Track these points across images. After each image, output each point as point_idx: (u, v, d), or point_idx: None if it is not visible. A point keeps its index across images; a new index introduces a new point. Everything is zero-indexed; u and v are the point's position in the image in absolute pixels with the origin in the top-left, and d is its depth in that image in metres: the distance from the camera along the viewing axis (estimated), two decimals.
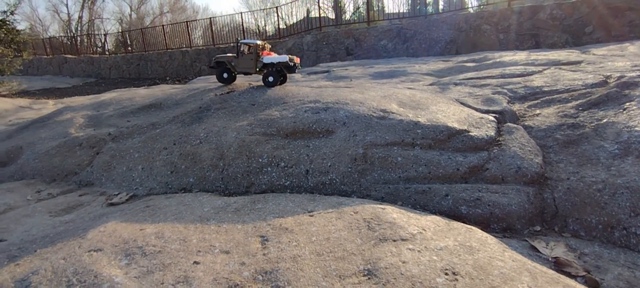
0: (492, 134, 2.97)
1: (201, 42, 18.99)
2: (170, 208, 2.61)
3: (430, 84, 4.85)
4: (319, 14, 13.26)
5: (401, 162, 2.78)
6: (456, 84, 4.53)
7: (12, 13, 14.24)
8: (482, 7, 11.23)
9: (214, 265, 1.84)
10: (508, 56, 6.07)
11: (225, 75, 4.70)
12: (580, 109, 3.20)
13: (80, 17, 28.88)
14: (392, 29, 10.93)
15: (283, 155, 3.02)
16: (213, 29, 15.99)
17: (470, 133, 2.93)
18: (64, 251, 2.17)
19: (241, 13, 15.40)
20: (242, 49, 4.58)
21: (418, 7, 14.04)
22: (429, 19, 10.52)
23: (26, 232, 2.81)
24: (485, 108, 3.47)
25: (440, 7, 14.24)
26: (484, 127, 3.03)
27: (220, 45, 15.50)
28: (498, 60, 5.83)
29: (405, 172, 2.74)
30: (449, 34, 9.94)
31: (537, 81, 4.00)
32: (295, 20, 15.94)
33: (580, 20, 8.55)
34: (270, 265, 1.78)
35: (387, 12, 15.01)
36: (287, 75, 4.81)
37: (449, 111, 3.32)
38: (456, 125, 3.01)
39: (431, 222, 2.17)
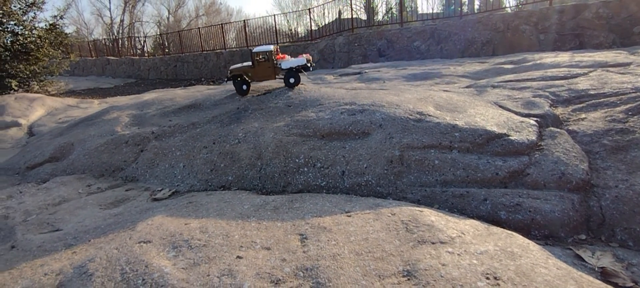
0: (534, 138, 2.89)
1: (234, 44, 19.44)
2: (212, 205, 2.72)
3: (467, 87, 4.77)
4: (351, 15, 13.26)
5: (438, 165, 2.77)
6: (494, 87, 4.42)
7: (61, 17, 15.17)
8: (520, 6, 10.87)
9: (256, 260, 1.91)
10: (549, 58, 5.85)
11: (244, 87, 4.62)
12: (629, 113, 3.06)
13: (121, 21, 30.33)
14: (425, 30, 10.77)
15: (319, 156, 3.07)
16: (246, 30, 16.34)
17: (510, 137, 2.86)
18: (116, 241, 2.32)
19: (274, 15, 15.66)
20: (259, 59, 4.52)
21: (452, 7, 13.76)
22: (464, 20, 10.29)
23: (79, 223, 3.01)
24: (526, 111, 3.38)
25: (476, 6, 13.90)
26: (524, 131, 2.96)
27: (253, 47, 15.83)
28: (538, 61, 5.63)
29: (442, 176, 2.72)
30: (485, 35, 9.68)
31: (582, 84, 3.85)
32: (327, 22, 16.04)
33: (628, 19, 8.10)
34: (311, 262, 1.84)
35: (420, 12, 14.83)
36: (308, 76, 4.88)
37: (488, 114, 3.26)
38: (495, 129, 2.95)
39: (470, 226, 2.15)
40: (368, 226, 2.14)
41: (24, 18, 13.87)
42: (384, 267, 1.75)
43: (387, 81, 6.38)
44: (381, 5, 19.52)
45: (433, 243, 1.91)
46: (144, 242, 2.20)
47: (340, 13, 16.11)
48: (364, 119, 3.25)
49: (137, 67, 20.09)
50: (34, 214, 3.23)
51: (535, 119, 3.20)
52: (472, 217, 2.45)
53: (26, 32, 13.94)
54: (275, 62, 4.56)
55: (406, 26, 11.83)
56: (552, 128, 3.10)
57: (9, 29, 13.61)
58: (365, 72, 8.19)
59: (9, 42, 13.34)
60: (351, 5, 13.03)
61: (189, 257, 2.00)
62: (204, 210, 2.63)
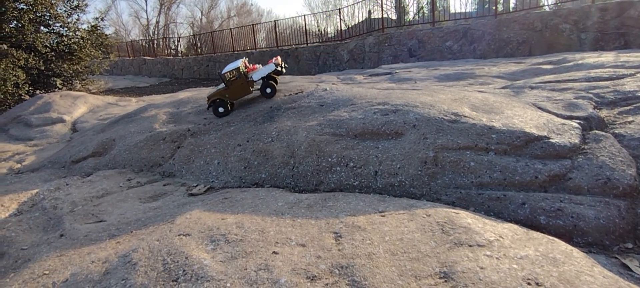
0: (576, 141, 2.78)
1: (264, 44, 19.72)
2: (247, 201, 2.78)
3: (503, 88, 4.63)
4: (381, 15, 13.15)
5: (474, 167, 2.71)
6: (532, 88, 4.28)
7: (102, 19, 15.91)
8: (559, 4, 10.43)
9: (292, 256, 1.95)
10: (592, 58, 5.59)
11: (221, 109, 4.56)
12: None
13: (157, 22, 31.42)
14: (458, 30, 10.53)
15: (352, 156, 3.08)
16: (277, 31, 16.53)
17: (550, 139, 2.77)
18: (157, 233, 2.42)
19: (304, 16, 15.77)
20: (230, 78, 4.48)
21: (486, 6, 13.38)
22: (500, 19, 9.98)
23: (121, 215, 3.16)
24: (568, 113, 3.25)
25: (511, 5, 13.45)
26: (566, 134, 2.85)
27: (283, 47, 15.98)
28: (580, 62, 5.39)
29: (478, 178, 2.66)
30: (522, 34, 9.35)
31: (629, 85, 3.66)
32: (356, 22, 15.98)
33: None
34: (346, 260, 1.85)
35: (452, 11, 14.50)
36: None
37: (526, 116, 3.16)
38: (534, 131, 2.86)
39: (508, 230, 2.10)
40: (403, 226, 2.13)
41: (69, 20, 14.63)
42: (420, 268, 1.74)
43: (418, 82, 6.30)
44: (412, 5, 19.25)
45: (470, 246, 1.88)
46: (184, 235, 2.28)
47: (369, 13, 16.02)
48: (397, 119, 3.23)
49: (172, 67, 20.76)
50: (80, 205, 3.41)
51: (578, 121, 3.08)
52: (510, 221, 2.39)
53: (70, 34, 14.70)
54: (247, 76, 4.55)
55: (438, 26, 11.62)
56: (596, 131, 2.97)
57: (55, 30, 14.40)
58: (396, 72, 8.12)
59: (54, 43, 14.12)
60: (382, 5, 12.93)
61: (226, 250, 2.06)
62: (239, 206, 2.70)
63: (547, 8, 10.90)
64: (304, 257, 1.93)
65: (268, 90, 4.54)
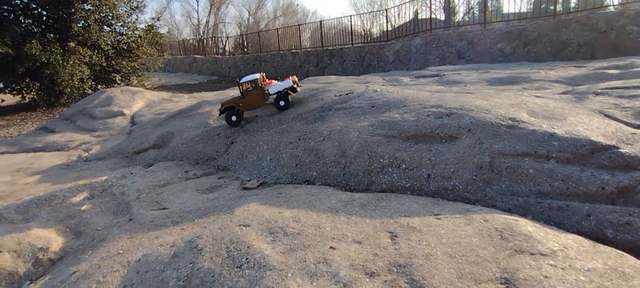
0: None
1: (309, 44, 19.96)
2: (301, 197, 2.88)
3: (563, 93, 4.42)
4: (430, 15, 12.89)
5: (533, 175, 2.63)
6: (597, 94, 4.05)
7: (158, 19, 16.87)
8: (626, 4, 9.71)
9: (348, 252, 2.00)
10: None
11: (233, 118, 4.68)
12: None
13: (207, 22, 32.75)
14: (511, 31, 10.11)
15: (404, 158, 3.09)
16: (322, 31, 16.69)
17: (619, 149, 2.62)
18: (218, 223, 2.57)
19: (350, 16, 15.80)
20: (247, 88, 4.58)
21: (543, 5, 12.72)
22: (558, 20, 9.46)
23: (182, 204, 3.37)
24: (639, 123, 3.06)
25: (571, 4, 12.70)
26: (637, 144, 2.69)
27: (328, 47, 16.10)
28: None
29: (537, 186, 2.58)
30: (583, 36, 8.81)
31: None
32: (402, 22, 15.77)
33: None
34: (403, 259, 1.88)
35: (504, 12, 13.93)
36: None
37: (592, 123, 3.01)
38: (601, 140, 2.72)
39: (572, 241, 2.03)
40: (459, 230, 2.12)
41: (128, 20, 15.62)
42: (480, 272, 1.73)
43: (469, 85, 6.14)
44: (461, 5, 18.68)
45: (532, 254, 1.84)
46: (244, 226, 2.41)
47: (416, 13, 15.76)
48: (452, 123, 3.19)
49: (219, 65, 21.56)
50: (144, 193, 3.68)
51: None
52: (572, 232, 2.30)
53: (129, 32, 15.69)
54: (263, 88, 4.62)
55: (489, 27, 11.22)
56: None
57: (116, 30, 15.43)
58: (444, 74, 7.95)
59: (115, 41, 15.14)
60: (430, 5, 12.67)
61: (285, 242, 2.15)
62: (294, 201, 2.80)
63: (612, 8, 10.19)
64: (361, 253, 1.98)
65: (281, 103, 4.65)
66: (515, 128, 2.98)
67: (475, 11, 16.42)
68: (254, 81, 4.57)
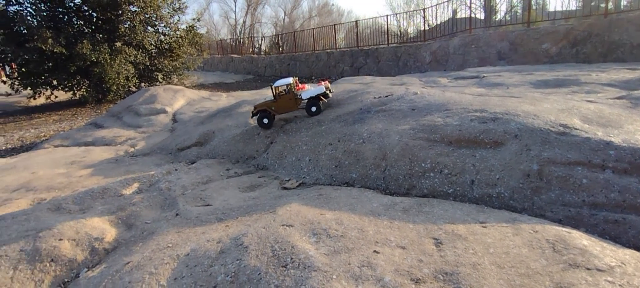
0: None
1: (343, 44, 19.94)
2: (341, 199, 2.90)
3: (617, 97, 4.18)
4: (470, 15, 12.53)
5: (586, 185, 2.52)
6: None
7: (198, 20, 17.44)
8: None
9: (393, 257, 2.00)
10: None
11: (265, 121, 4.76)
12: None
13: (244, 22, 33.45)
14: (557, 31, 9.64)
15: (447, 163, 3.04)
16: (357, 30, 16.64)
17: None
18: (261, 221, 2.64)
19: (386, 16, 15.65)
20: (280, 92, 4.61)
21: (593, 3, 12.05)
22: (610, 19, 8.93)
23: (225, 201, 3.48)
24: None
25: (623, 3, 11.96)
26: None
27: (363, 47, 16.03)
28: None
29: (591, 197, 2.47)
30: (636, 37, 8.28)
31: None
32: (439, 22, 15.43)
33: None
34: (449, 267, 1.86)
35: (550, 10, 13.32)
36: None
37: None
38: None
39: (630, 257, 1.93)
40: (507, 240, 2.06)
41: (170, 21, 16.24)
42: (532, 285, 1.69)
43: (511, 87, 5.93)
44: (502, 4, 18.04)
45: (588, 269, 1.77)
46: (287, 226, 2.46)
47: (454, 12, 15.36)
48: (497, 128, 3.10)
49: (255, 65, 21.99)
50: (189, 189, 3.83)
51: None
52: (629, 248, 2.18)
53: (171, 33, 16.32)
54: (295, 93, 4.62)
55: (533, 27, 10.76)
56: None
57: (159, 30, 16.09)
58: (484, 76, 7.71)
59: (158, 41, 15.78)
60: (470, 4, 12.32)
61: (329, 244, 2.18)
62: (335, 203, 2.82)
63: None
64: (406, 259, 1.97)
65: (313, 109, 4.65)
66: (566, 135, 2.86)
67: (517, 10, 15.78)
68: (288, 85, 4.63)
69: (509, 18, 15.40)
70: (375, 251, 2.06)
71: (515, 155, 2.85)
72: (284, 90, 4.65)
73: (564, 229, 2.16)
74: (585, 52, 9.10)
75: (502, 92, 5.14)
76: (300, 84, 4.97)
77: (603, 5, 10.10)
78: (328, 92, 4.74)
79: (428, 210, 2.54)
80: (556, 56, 9.63)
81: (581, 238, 2.02)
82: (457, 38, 12.14)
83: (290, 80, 4.67)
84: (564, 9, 12.27)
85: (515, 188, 2.70)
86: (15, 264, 2.72)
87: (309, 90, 4.69)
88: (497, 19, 15.35)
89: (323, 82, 4.79)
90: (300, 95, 4.67)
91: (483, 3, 16.82)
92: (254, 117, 4.88)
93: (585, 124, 2.99)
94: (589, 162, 2.61)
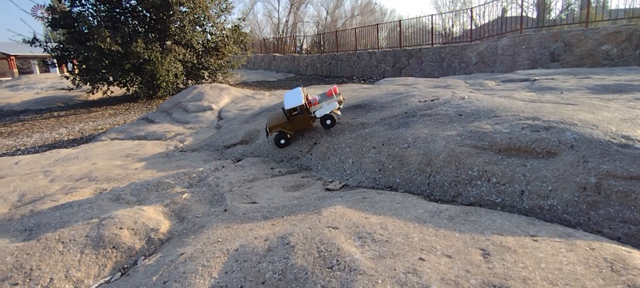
0: None
1: (385, 44, 19.73)
2: (385, 204, 2.91)
3: None
4: (521, 14, 11.97)
5: None
6: None
7: (243, 20, 17.95)
8: None
9: (438, 265, 2.00)
10: None
11: (282, 141, 4.79)
12: None
13: (287, 21, 33.99)
14: (619, 31, 8.99)
15: (495, 171, 2.96)
16: (401, 30, 16.41)
17: None
18: (307, 222, 2.71)
19: (431, 15, 15.30)
20: (293, 113, 4.55)
21: None
22: None
23: (270, 200, 3.60)
24: None
25: None
26: None
27: (406, 47, 15.78)
28: None
29: None
30: None
31: None
32: (486, 21, 14.86)
33: None
34: (498, 280, 1.83)
35: (611, 9, 12.44)
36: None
37: None
38: None
39: None
40: (560, 256, 1.99)
41: (217, 20, 16.83)
42: None
43: (565, 92, 5.64)
44: (557, 2, 17.03)
45: None
46: (332, 228, 2.52)
47: (503, 11, 14.73)
48: (551, 138, 2.98)
49: (297, 63, 22.28)
50: (236, 186, 3.99)
51: None
52: None
53: (217, 32, 16.91)
54: (309, 111, 4.56)
55: (592, 27, 10.10)
56: None
57: (207, 30, 16.73)
58: (535, 79, 7.37)
59: (205, 40, 16.42)
60: (521, 2, 11.77)
61: (374, 249, 2.21)
62: (379, 207, 2.85)
63: None
64: (452, 268, 1.96)
65: (328, 122, 4.64)
66: (629, 147, 2.69)
67: (574, 8, 14.85)
68: (300, 106, 4.57)
69: (564, 17, 14.54)
70: (420, 258, 2.07)
71: (571, 166, 2.73)
72: (297, 111, 4.62)
73: (623, 248, 2.05)
74: None
75: (555, 97, 4.90)
76: (310, 97, 4.88)
77: None
78: (339, 104, 4.66)
79: (475, 220, 2.50)
80: (617, 58, 9.00)
81: None
82: (506, 38, 11.64)
83: (301, 99, 4.58)
84: (627, 7, 11.41)
85: (570, 201, 2.59)
86: (82, 248, 2.98)
87: (323, 108, 4.62)
88: (550, 18, 14.53)
89: (331, 89, 4.69)
90: (314, 113, 4.64)
91: (536, 1, 16.00)
92: (269, 136, 4.91)
93: None
94: None
